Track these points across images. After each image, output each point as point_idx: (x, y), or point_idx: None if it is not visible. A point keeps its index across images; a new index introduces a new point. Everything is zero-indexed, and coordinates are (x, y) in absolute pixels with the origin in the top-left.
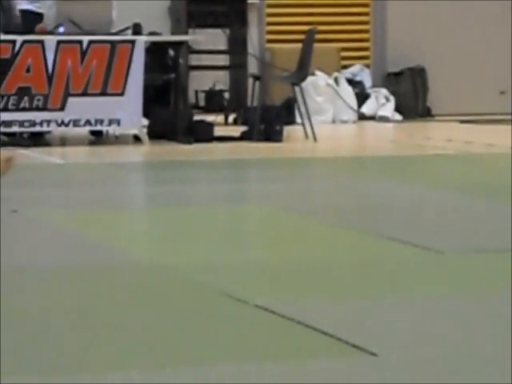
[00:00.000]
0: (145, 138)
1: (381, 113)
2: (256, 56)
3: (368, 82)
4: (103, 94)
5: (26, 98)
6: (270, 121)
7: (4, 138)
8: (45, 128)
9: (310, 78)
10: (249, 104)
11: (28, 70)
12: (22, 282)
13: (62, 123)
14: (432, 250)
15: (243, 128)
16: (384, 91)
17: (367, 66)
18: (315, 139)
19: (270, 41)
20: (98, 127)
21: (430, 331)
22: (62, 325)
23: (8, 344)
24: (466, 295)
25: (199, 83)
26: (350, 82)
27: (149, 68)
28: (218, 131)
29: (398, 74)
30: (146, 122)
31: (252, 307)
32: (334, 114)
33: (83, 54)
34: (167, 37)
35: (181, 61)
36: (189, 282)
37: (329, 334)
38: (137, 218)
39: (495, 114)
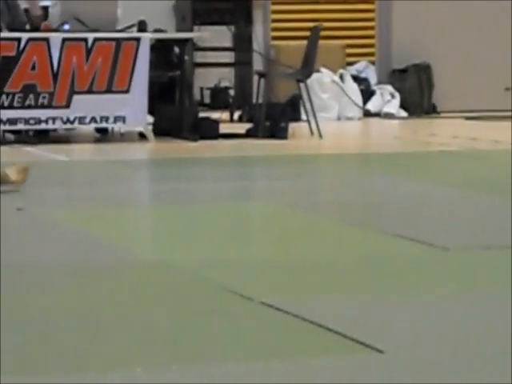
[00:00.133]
0: (150, 135)
1: (386, 109)
2: (261, 53)
3: (373, 79)
4: (108, 91)
5: (31, 96)
6: (275, 118)
7: (9, 135)
8: (50, 125)
9: (315, 75)
10: (254, 101)
11: (33, 68)
12: (26, 279)
13: (68, 121)
14: (437, 246)
15: (248, 125)
16: (389, 88)
17: (372, 63)
18: (320, 136)
19: (275, 38)
20: (104, 125)
21: (435, 328)
22: (65, 322)
23: (9, 343)
24: (471, 292)
25: (204, 80)
26: (355, 78)
27: (154, 65)
28: (223, 128)
29: (403, 71)
30: (151, 119)
31: (257, 304)
32: (339, 111)
33: (88, 51)
34: (172, 34)
35: (186, 58)
36: (194, 279)
37: (335, 331)
38: (142, 215)
39: (500, 111)
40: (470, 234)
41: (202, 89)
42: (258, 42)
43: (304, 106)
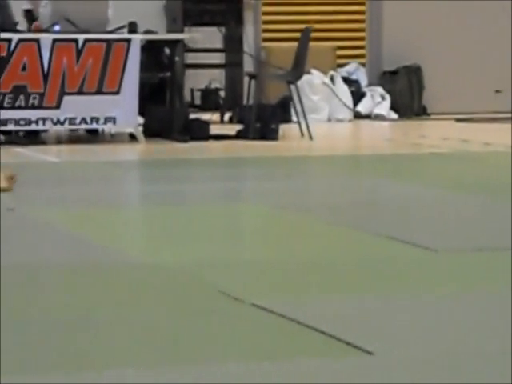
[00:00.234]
0: (140, 136)
1: (376, 111)
2: (252, 54)
3: (364, 81)
4: (99, 92)
5: (21, 97)
6: (265, 119)
7: None
8: (40, 126)
9: (305, 77)
10: (244, 102)
11: (24, 69)
12: (18, 280)
13: (58, 121)
14: (427, 248)
15: (239, 126)
16: (380, 90)
17: (363, 65)
18: (311, 138)
19: (265, 39)
20: (94, 126)
21: (426, 330)
22: (60, 324)
23: (7, 343)
24: (461, 294)
25: (195, 81)
26: (346, 80)
27: (144, 66)
28: (214, 129)
29: (393, 73)
30: (141, 120)
31: (249, 306)
32: (329, 113)
33: (79, 52)
34: (163, 35)
35: (176, 59)
36: (185, 280)
37: (325, 332)
38: (132, 216)
39: (491, 113)
40: (460, 236)
41: (192, 90)
42: (248, 44)
43: (294, 108)
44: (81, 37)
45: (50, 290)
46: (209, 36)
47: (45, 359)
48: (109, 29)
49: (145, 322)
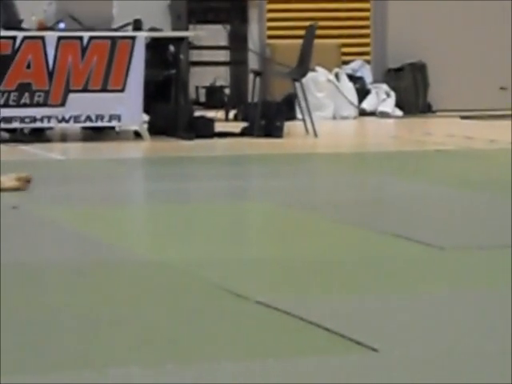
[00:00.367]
0: (145, 134)
1: (381, 108)
2: (256, 52)
3: (369, 78)
4: (104, 90)
5: (26, 94)
6: (270, 117)
7: (5, 134)
8: (45, 124)
9: (310, 74)
10: (249, 100)
11: (28, 66)
12: (22, 279)
13: (63, 119)
14: (433, 246)
15: (244, 124)
16: (385, 87)
17: (368, 62)
18: (316, 135)
19: (270, 37)
20: (99, 123)
21: (431, 328)
22: (63, 322)
23: (8, 342)
24: (467, 292)
25: (200, 79)
26: (351, 77)
27: (149, 64)
28: (219, 127)
29: (398, 70)
30: (146, 117)
31: (253, 303)
32: (334, 110)
33: (84, 50)
34: (168, 33)
35: (181, 57)
36: (190, 278)
37: (330, 329)
38: (137, 214)
39: (496, 110)
40: (465, 234)
41: (197, 88)
42: (253, 41)
43: (299, 105)
44: (86, 34)
45: (54, 288)
46: (213, 33)
47: (45, 359)
48: (114, 26)
49: (149, 320)
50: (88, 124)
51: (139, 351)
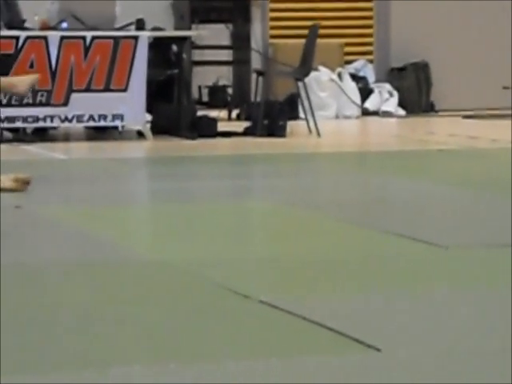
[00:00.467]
0: (148, 133)
1: (384, 108)
2: (259, 51)
3: (371, 78)
4: (106, 89)
5: (29, 94)
6: (273, 116)
7: (8, 133)
8: (48, 123)
9: (313, 74)
10: (252, 99)
11: (31, 66)
12: (23, 278)
13: (66, 119)
14: (436, 244)
15: (246, 123)
16: (387, 86)
17: (371, 62)
18: (319, 134)
19: (273, 36)
20: (102, 123)
21: (433, 327)
22: (64, 322)
23: (8, 342)
24: (470, 290)
25: (202, 79)
26: (354, 77)
27: (152, 63)
28: (222, 127)
29: (401, 69)
30: (149, 117)
31: (256, 303)
32: (337, 110)
33: (86, 49)
34: (170, 32)
35: (184, 56)
36: (192, 277)
37: (333, 329)
38: (140, 213)
39: (498, 109)
40: (468, 233)
41: (200, 87)
42: (256, 41)
43: (302, 105)
44: (88, 34)
45: (55, 287)
46: (216, 33)
47: (46, 358)
48: (116, 26)
49: (151, 320)
50: (91, 124)
51: (141, 350)
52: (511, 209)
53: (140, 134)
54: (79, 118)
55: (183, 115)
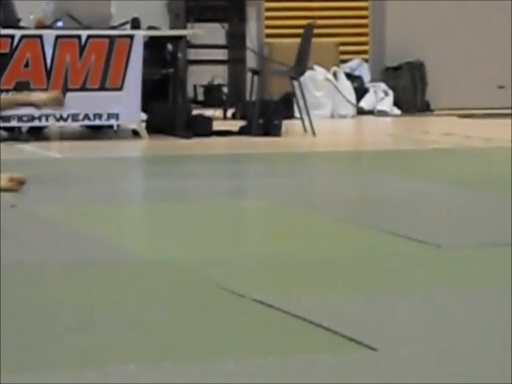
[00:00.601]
0: (143, 132)
1: (379, 107)
2: (254, 50)
3: (367, 77)
4: (102, 88)
5: (24, 93)
6: (268, 115)
7: (3, 132)
8: (43, 122)
9: (308, 73)
10: (247, 98)
11: (26, 65)
12: (21, 277)
13: (61, 118)
14: (430, 244)
15: (242, 122)
16: (383, 85)
17: (366, 61)
18: (314, 134)
19: (268, 35)
20: (97, 122)
21: (430, 327)
22: (62, 320)
23: (8, 341)
24: (465, 290)
25: (198, 78)
26: (349, 76)
27: (147, 62)
28: (217, 126)
29: (396, 69)
30: (144, 116)
31: (252, 302)
32: (332, 109)
33: (82, 48)
34: (166, 31)
35: (179, 55)
36: (188, 276)
37: (328, 328)
38: (135, 212)
39: (494, 109)
40: (463, 232)
41: (195, 86)
42: (251, 40)
43: (297, 104)
44: (84, 33)
45: (53, 286)
46: (211, 32)
47: (45, 357)
48: (112, 25)
49: (148, 319)
50: (86, 122)
51: (139, 350)
52: (506, 208)
53: (135, 133)
54: (74, 117)
55: (178, 114)
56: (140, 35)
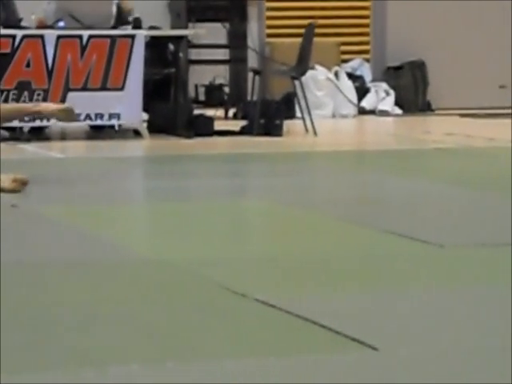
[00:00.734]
0: (145, 132)
1: (381, 107)
2: (256, 50)
3: (368, 76)
4: (103, 88)
5: (25, 93)
6: (269, 115)
7: (4, 132)
8: (45, 123)
9: (310, 73)
10: (249, 98)
11: (28, 65)
12: (22, 277)
13: None
14: (432, 243)
15: (243, 122)
16: (384, 85)
17: (367, 60)
18: (315, 133)
19: (269, 35)
20: (98, 122)
21: (430, 326)
22: (63, 320)
23: (8, 341)
24: (467, 289)
25: (199, 77)
26: (350, 76)
27: (149, 62)
28: (218, 125)
29: (398, 68)
30: (146, 116)
31: (253, 302)
32: (334, 109)
33: (83, 48)
34: (167, 31)
35: (181, 55)
36: (190, 276)
37: (329, 328)
38: (137, 212)
39: (495, 108)
40: (464, 231)
41: (196, 86)
42: (252, 39)
43: (299, 104)
44: (85, 33)
45: (54, 286)
46: (213, 32)
47: (45, 357)
48: (113, 25)
49: (149, 318)
50: (87, 122)
51: (139, 349)
52: (508, 208)
53: (137, 133)
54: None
55: (180, 114)
56: (141, 35)
